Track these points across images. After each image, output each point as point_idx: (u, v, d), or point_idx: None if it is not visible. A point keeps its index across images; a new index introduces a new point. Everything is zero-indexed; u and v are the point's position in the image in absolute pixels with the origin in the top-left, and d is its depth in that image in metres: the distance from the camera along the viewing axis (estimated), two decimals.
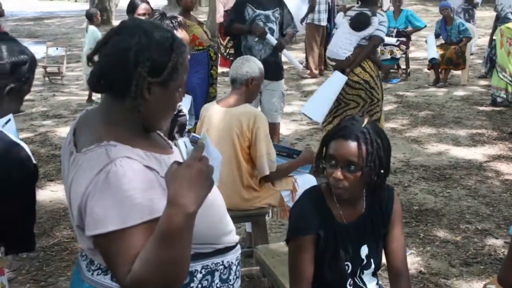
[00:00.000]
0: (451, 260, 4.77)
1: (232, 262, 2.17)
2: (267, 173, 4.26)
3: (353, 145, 2.57)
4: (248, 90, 4.37)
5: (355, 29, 6.39)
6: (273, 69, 6.58)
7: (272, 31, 6.55)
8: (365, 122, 2.63)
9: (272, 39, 6.51)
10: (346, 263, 2.76)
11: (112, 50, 1.86)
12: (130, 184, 1.76)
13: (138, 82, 1.82)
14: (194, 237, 1.90)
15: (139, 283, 1.71)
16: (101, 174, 1.76)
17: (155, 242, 1.67)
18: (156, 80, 1.84)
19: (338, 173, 2.59)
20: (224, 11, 12.38)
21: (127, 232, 1.74)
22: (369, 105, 6.46)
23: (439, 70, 11.42)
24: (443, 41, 11.55)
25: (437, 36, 11.58)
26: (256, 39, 6.50)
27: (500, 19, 9.75)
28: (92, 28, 10.74)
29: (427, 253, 4.88)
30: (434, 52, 11.27)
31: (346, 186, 2.62)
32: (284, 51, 6.80)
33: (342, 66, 6.44)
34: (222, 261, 2.13)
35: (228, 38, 12.43)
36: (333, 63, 6.75)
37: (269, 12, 6.60)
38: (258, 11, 6.57)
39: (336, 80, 6.46)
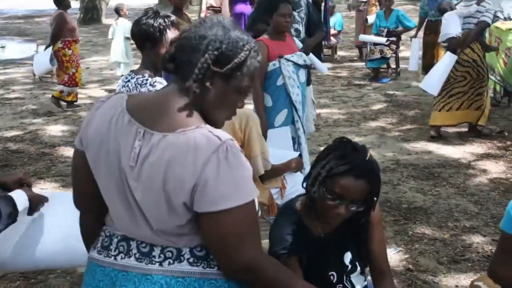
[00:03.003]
0: (439, 257, 4.82)
1: None
2: (262, 172, 4.26)
3: (363, 185, 2.51)
4: None
5: (441, 13, 8.23)
6: None
7: (298, 33, 6.32)
8: (368, 154, 2.56)
9: (298, 43, 6.21)
10: (331, 273, 2.77)
11: (190, 35, 2.03)
12: (244, 163, 1.97)
13: (202, 66, 1.97)
14: None
15: (255, 269, 1.98)
16: (219, 154, 1.91)
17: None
18: (218, 70, 1.98)
19: (343, 211, 2.56)
20: (207, 7, 12.48)
21: (247, 206, 1.95)
22: (475, 81, 7.77)
23: None
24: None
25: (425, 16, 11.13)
26: None
27: None
28: (122, 19, 11.79)
29: (416, 251, 4.92)
30: (415, 62, 11.22)
31: (343, 218, 2.63)
32: (310, 55, 6.67)
33: (453, 46, 7.69)
34: None
35: None
36: (445, 44, 8.03)
37: (294, 13, 6.34)
38: None
39: (449, 59, 7.74)
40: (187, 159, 1.90)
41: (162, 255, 2.02)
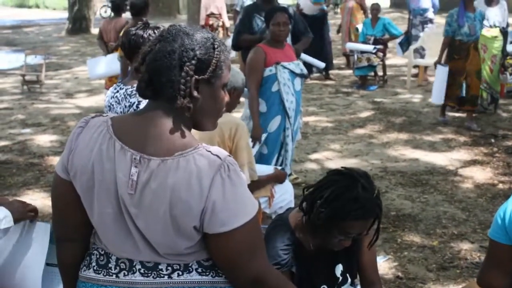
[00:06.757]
0: (428, 264, 4.85)
1: None
2: (249, 182, 4.28)
3: (370, 222, 2.63)
4: (229, 100, 4.37)
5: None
6: None
7: None
8: (376, 191, 2.63)
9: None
10: (322, 286, 2.81)
11: (158, 55, 1.95)
12: (243, 177, 1.98)
13: (186, 80, 1.92)
14: None
15: (263, 282, 2.00)
16: (222, 174, 1.91)
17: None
18: (203, 77, 1.95)
19: (348, 243, 2.68)
20: (206, 15, 12.53)
21: (253, 220, 1.96)
22: None
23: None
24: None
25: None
26: None
27: None
28: None
29: (404, 258, 4.95)
30: (440, 93, 9.00)
31: None
32: (302, 55, 6.74)
33: None
34: None
35: None
36: None
37: None
38: None
39: None
40: (191, 183, 1.88)
41: (169, 268, 2.00)
